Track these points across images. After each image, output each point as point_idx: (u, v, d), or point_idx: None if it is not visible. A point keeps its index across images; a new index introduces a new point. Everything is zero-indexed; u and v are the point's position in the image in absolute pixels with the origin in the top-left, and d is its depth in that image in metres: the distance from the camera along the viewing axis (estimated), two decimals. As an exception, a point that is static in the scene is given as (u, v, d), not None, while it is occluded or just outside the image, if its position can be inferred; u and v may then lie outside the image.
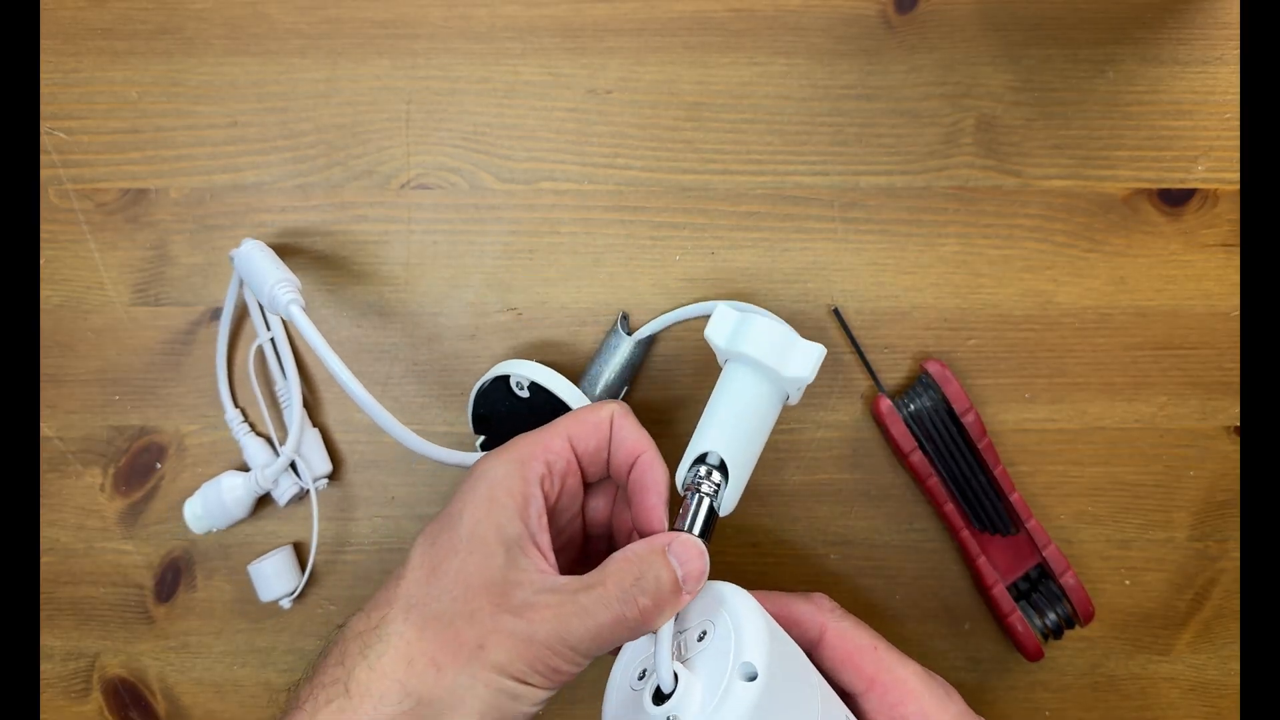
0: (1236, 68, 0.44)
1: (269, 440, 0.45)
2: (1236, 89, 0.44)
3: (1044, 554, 0.43)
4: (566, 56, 0.45)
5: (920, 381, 0.44)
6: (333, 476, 0.45)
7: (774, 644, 0.31)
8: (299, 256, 0.45)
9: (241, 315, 0.45)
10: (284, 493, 0.44)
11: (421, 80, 0.45)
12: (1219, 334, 0.45)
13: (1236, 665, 0.45)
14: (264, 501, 0.45)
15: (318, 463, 0.44)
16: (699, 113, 0.45)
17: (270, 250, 0.41)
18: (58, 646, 0.46)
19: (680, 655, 0.32)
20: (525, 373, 0.40)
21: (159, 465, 0.45)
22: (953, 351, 0.45)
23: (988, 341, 0.45)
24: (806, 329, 0.45)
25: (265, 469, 0.43)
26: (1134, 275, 0.45)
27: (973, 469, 0.43)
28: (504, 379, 0.41)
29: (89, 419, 0.45)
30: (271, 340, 0.44)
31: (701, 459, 0.37)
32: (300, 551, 0.45)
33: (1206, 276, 0.45)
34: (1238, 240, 0.45)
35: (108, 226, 0.45)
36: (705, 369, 0.44)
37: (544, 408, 0.41)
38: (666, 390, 0.45)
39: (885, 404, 0.43)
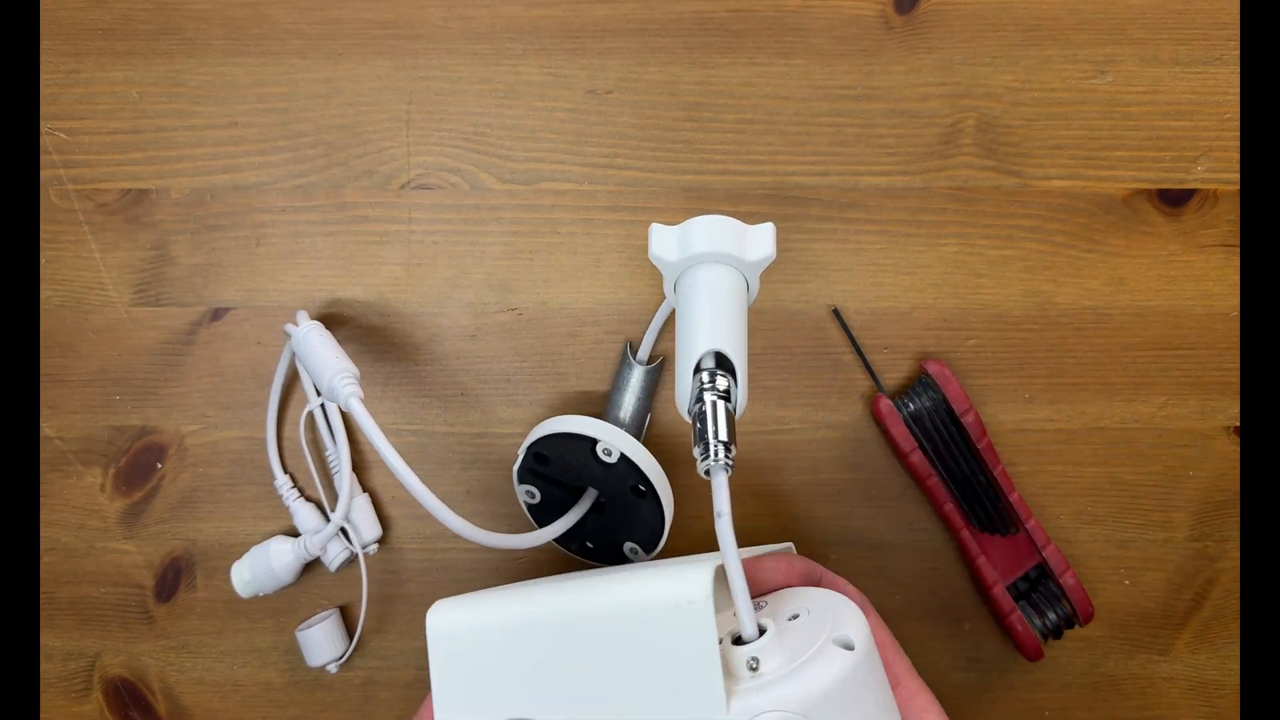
0: (1236, 68, 0.44)
1: (319, 505, 0.45)
2: (1236, 89, 0.44)
3: (1044, 554, 0.43)
4: (566, 57, 0.45)
5: (920, 382, 0.44)
6: (382, 541, 0.45)
7: (868, 630, 0.29)
8: (300, 257, 0.45)
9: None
10: (334, 559, 0.44)
11: (422, 81, 0.45)
12: (1218, 334, 0.45)
13: (1236, 665, 0.45)
14: (311, 564, 0.45)
15: (367, 529, 0.44)
16: (699, 113, 0.45)
17: (328, 334, 0.41)
18: (58, 646, 0.46)
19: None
20: (619, 444, 0.39)
21: (159, 465, 0.45)
22: (952, 352, 0.45)
23: (987, 342, 0.45)
24: (806, 329, 0.45)
25: (314, 535, 0.43)
26: (1133, 275, 0.45)
27: (972, 469, 0.43)
28: (587, 440, 0.39)
29: (89, 419, 0.45)
30: (321, 406, 0.44)
31: (697, 367, 0.33)
32: (347, 616, 0.46)
33: (1206, 277, 0.45)
34: (1237, 240, 0.45)
35: (108, 227, 0.45)
36: None
37: (622, 482, 0.40)
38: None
39: (885, 404, 0.43)
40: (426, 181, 0.45)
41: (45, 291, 0.45)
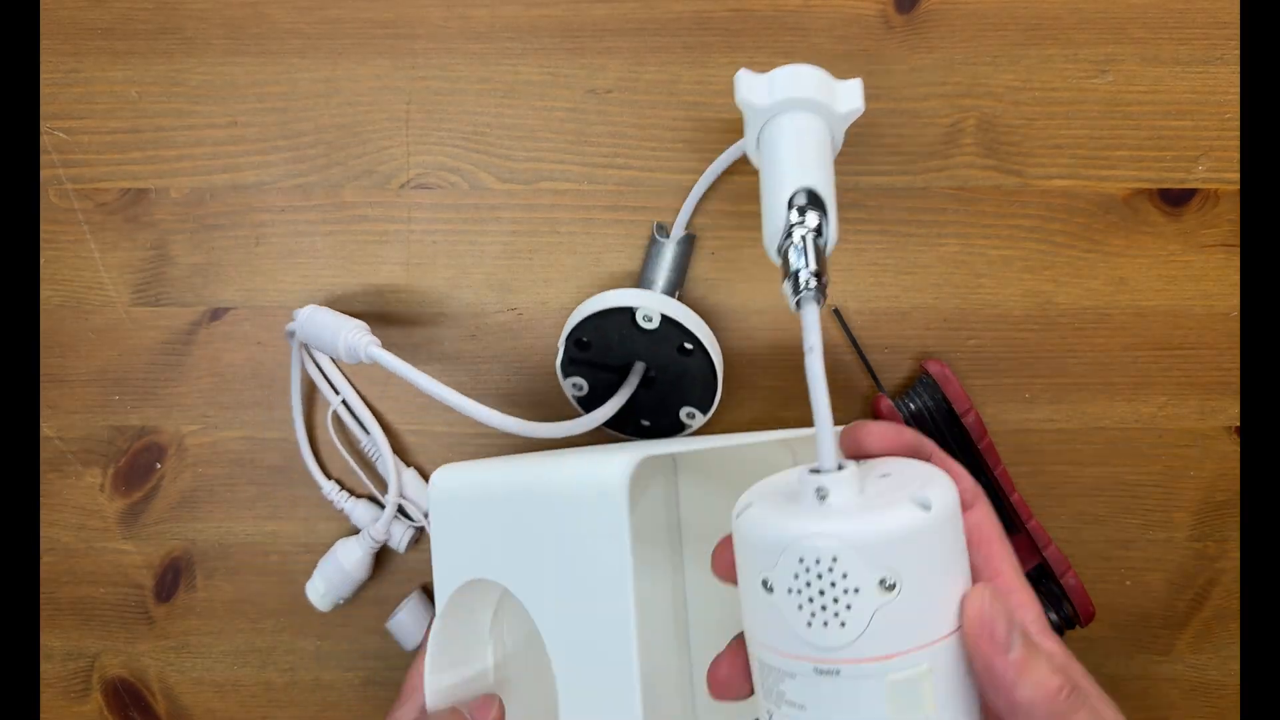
0: (1237, 68, 0.44)
1: (370, 498, 0.45)
2: (1237, 89, 0.44)
3: (1044, 554, 0.43)
4: (566, 56, 0.45)
5: (920, 382, 0.44)
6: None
7: (957, 503, 0.28)
8: (300, 257, 0.45)
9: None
10: (401, 540, 0.44)
11: (421, 80, 0.45)
12: (1219, 334, 0.45)
13: (1237, 665, 0.45)
14: (381, 555, 0.46)
15: (423, 500, 0.45)
16: (699, 113, 0.45)
17: (325, 308, 0.41)
18: (58, 646, 0.46)
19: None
20: (657, 306, 0.39)
21: (159, 465, 0.45)
22: (953, 352, 0.45)
23: (988, 342, 0.45)
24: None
25: (375, 524, 0.43)
26: (1134, 275, 0.45)
27: (973, 469, 0.43)
28: (624, 311, 0.39)
29: (89, 419, 0.45)
30: (343, 402, 0.45)
31: (789, 204, 0.32)
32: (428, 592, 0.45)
33: (1206, 277, 0.45)
34: (1238, 240, 0.45)
35: (108, 226, 0.45)
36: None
37: (667, 345, 0.40)
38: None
39: (885, 404, 0.43)
40: (426, 181, 0.45)
41: (45, 291, 0.45)
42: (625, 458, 0.30)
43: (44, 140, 0.45)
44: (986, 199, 0.44)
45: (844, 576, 0.25)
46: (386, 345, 0.45)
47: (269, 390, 0.45)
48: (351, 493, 0.45)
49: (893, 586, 0.25)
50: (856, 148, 0.45)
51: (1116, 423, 0.45)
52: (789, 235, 0.32)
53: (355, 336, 0.39)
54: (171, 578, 0.45)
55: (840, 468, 0.27)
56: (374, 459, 0.45)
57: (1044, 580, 0.44)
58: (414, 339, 0.45)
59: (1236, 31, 0.44)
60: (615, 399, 0.41)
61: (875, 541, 0.25)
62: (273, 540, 0.45)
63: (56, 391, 0.45)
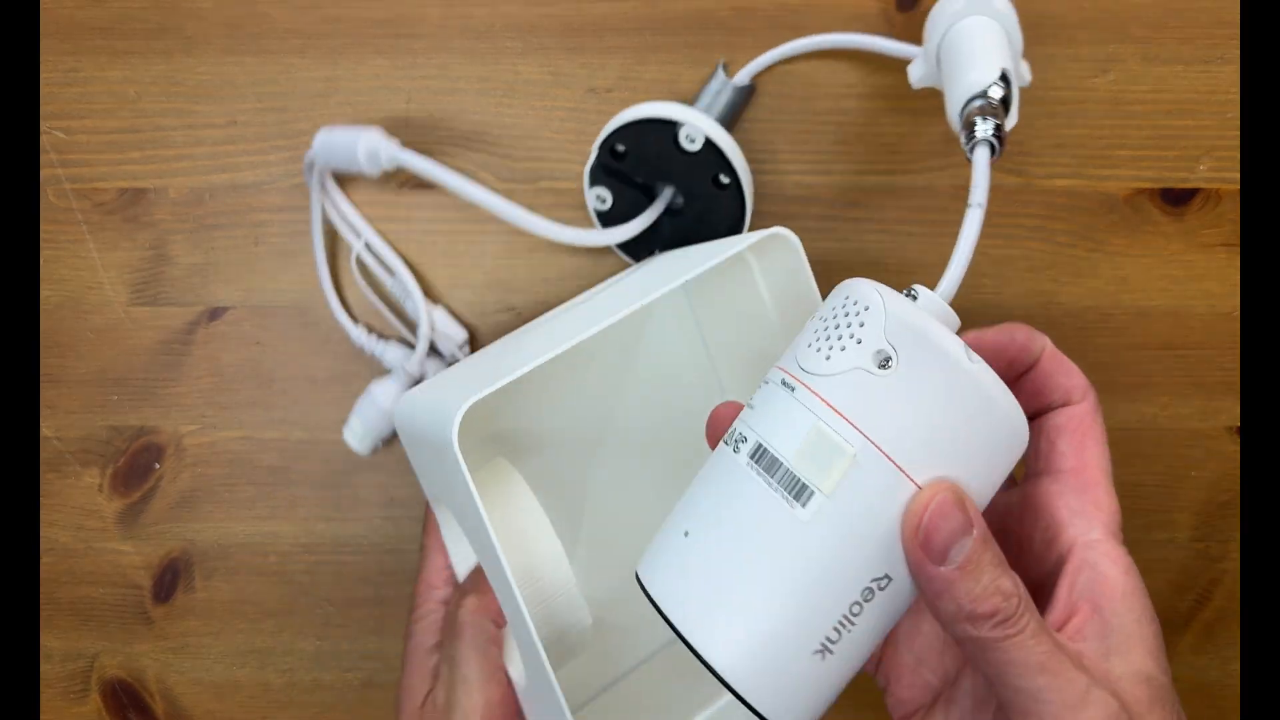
0: (1239, 67, 0.44)
1: (400, 340, 0.45)
2: (1239, 88, 0.44)
3: (1046, 555, 0.43)
4: (566, 55, 0.45)
5: (921, 381, 0.44)
6: (471, 342, 0.45)
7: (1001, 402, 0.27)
8: (299, 256, 0.45)
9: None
10: (445, 350, 0.44)
11: (421, 80, 0.45)
12: (1221, 334, 0.45)
13: (1239, 666, 0.45)
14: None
15: (454, 333, 0.44)
16: (699, 112, 0.44)
17: (337, 125, 0.41)
18: (56, 647, 0.46)
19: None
20: (704, 128, 0.39)
21: (158, 465, 0.45)
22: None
23: (989, 341, 0.45)
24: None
25: (409, 361, 0.43)
26: (1136, 275, 0.45)
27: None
28: (669, 127, 0.39)
29: (88, 419, 0.45)
30: (366, 246, 0.44)
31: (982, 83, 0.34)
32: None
33: (1209, 276, 0.45)
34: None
35: (106, 226, 0.45)
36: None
37: (704, 172, 0.39)
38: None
39: (886, 404, 0.43)
40: (426, 181, 0.45)
41: (44, 291, 0.45)
42: (458, 408, 0.31)
43: (43, 140, 0.45)
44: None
45: (861, 326, 0.27)
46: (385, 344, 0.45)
47: (268, 390, 0.45)
48: (381, 335, 0.45)
49: (884, 364, 0.26)
50: (857, 146, 0.44)
51: (1118, 423, 0.45)
52: (978, 98, 0.33)
53: (375, 140, 0.38)
54: (170, 578, 0.45)
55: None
56: (401, 300, 0.44)
57: (1046, 581, 0.44)
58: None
59: (1238, 30, 0.44)
60: (642, 218, 0.40)
61: (902, 319, 0.26)
62: (271, 541, 0.45)
63: (55, 391, 0.45)
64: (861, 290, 0.27)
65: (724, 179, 0.39)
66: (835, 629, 0.26)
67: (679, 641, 0.28)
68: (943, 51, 0.37)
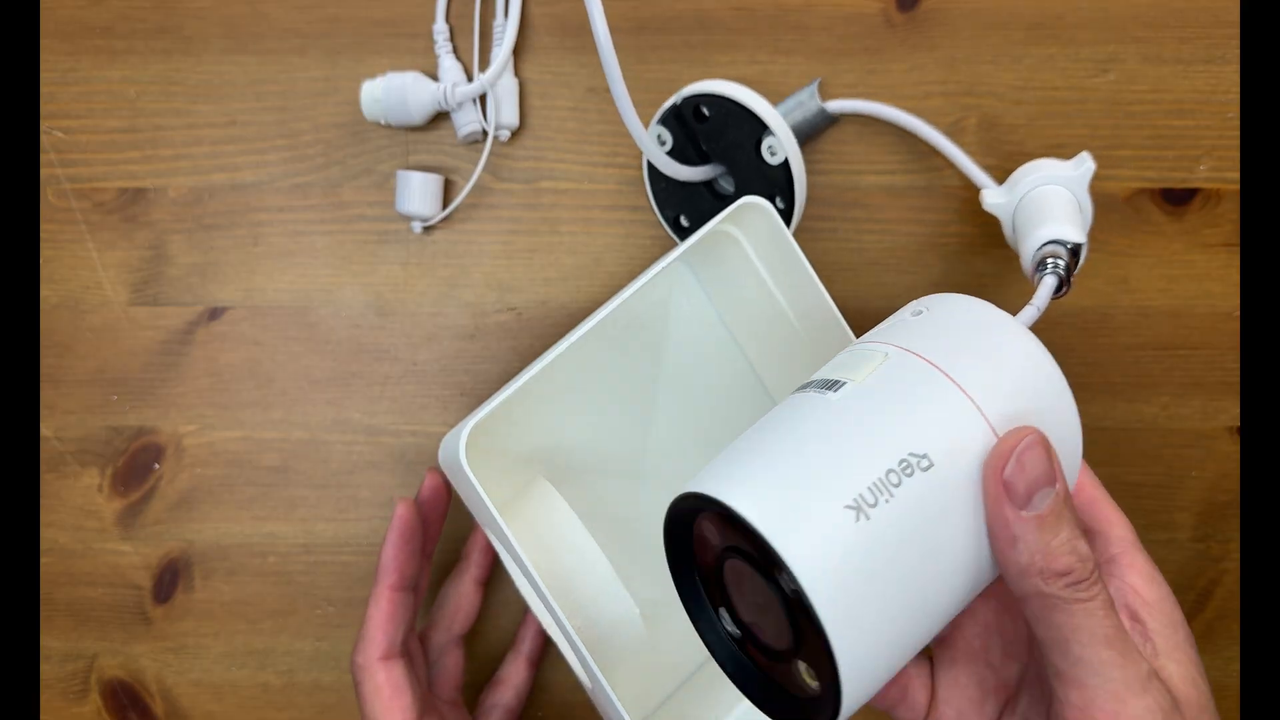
0: (1238, 67, 0.44)
1: (467, 73, 0.44)
2: (1239, 88, 0.44)
3: (1046, 555, 0.43)
4: (566, 55, 0.44)
5: (922, 381, 0.44)
6: (516, 134, 0.44)
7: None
8: (298, 256, 0.45)
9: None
10: (465, 123, 0.43)
11: (421, 79, 0.45)
12: (1221, 334, 0.45)
13: (1239, 666, 0.45)
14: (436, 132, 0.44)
15: (508, 110, 0.43)
16: (699, 112, 0.44)
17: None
18: (56, 648, 0.45)
19: None
20: (790, 151, 0.39)
21: (157, 466, 0.45)
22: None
23: (989, 341, 0.45)
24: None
25: (456, 87, 0.42)
26: (1136, 275, 0.45)
27: (974, 469, 0.43)
28: (760, 127, 0.39)
29: (87, 419, 0.45)
30: None
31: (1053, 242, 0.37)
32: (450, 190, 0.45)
33: (1209, 276, 0.45)
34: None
35: (106, 226, 0.45)
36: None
37: (767, 182, 0.40)
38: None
39: (886, 404, 0.43)
40: (425, 180, 0.45)
41: (43, 291, 0.45)
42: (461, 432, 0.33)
43: (42, 140, 0.45)
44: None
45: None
46: (386, 346, 0.45)
47: (267, 390, 0.45)
48: (456, 49, 0.44)
49: (918, 314, 0.31)
50: (857, 146, 0.44)
51: (1118, 423, 0.45)
52: (1057, 243, 0.37)
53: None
54: (169, 579, 0.45)
55: None
56: (496, 41, 0.44)
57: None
58: (413, 338, 0.45)
59: (1238, 30, 0.44)
60: (692, 171, 0.40)
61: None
62: (271, 541, 0.45)
63: (54, 391, 0.45)
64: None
65: (780, 203, 0.40)
66: (871, 490, 0.25)
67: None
68: (1032, 200, 0.40)
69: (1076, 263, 0.37)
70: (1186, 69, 0.44)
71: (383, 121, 0.43)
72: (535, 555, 0.33)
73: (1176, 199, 0.44)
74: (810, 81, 0.43)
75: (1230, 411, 0.45)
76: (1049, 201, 0.39)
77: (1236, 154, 0.44)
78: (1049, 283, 0.35)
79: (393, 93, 0.42)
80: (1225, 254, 0.44)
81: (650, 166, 0.43)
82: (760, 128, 0.39)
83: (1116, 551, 0.29)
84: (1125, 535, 0.30)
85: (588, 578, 0.35)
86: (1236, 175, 0.44)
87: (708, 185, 0.42)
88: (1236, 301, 0.44)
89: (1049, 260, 0.36)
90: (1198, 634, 0.45)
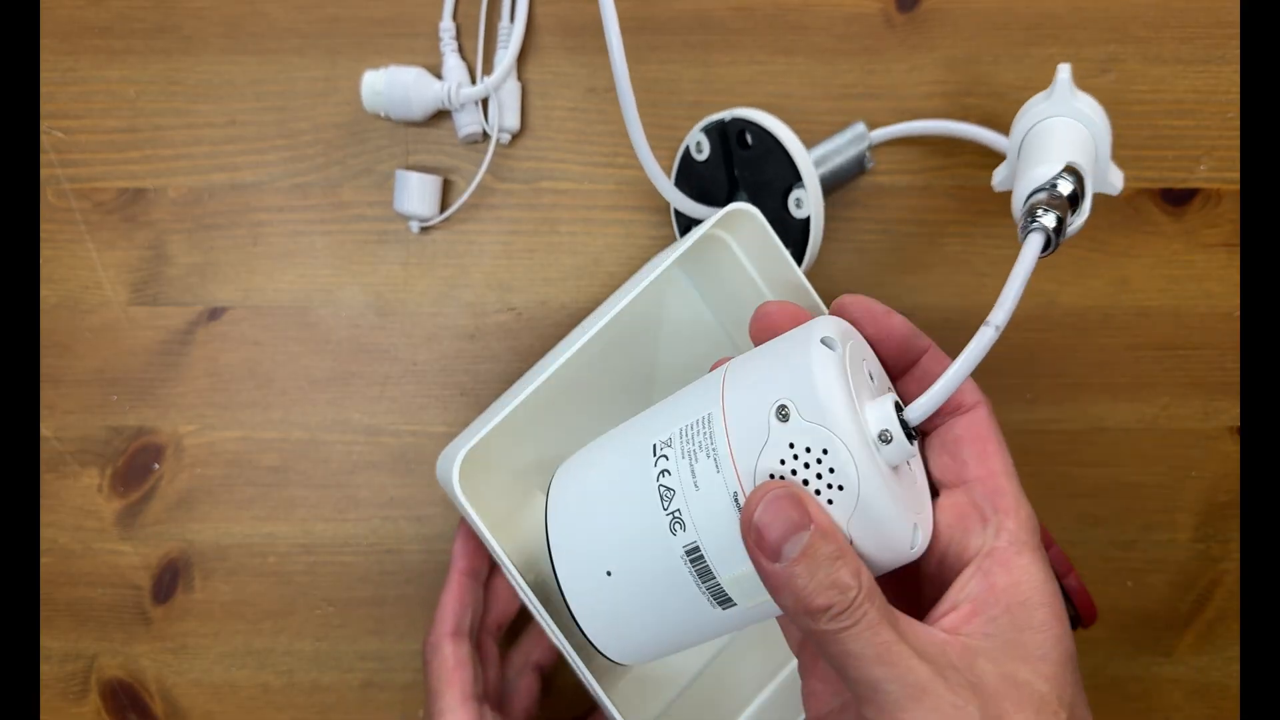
0: (1238, 67, 0.44)
1: (471, 73, 0.44)
2: (1239, 88, 0.44)
3: (1046, 555, 0.43)
4: (566, 55, 0.44)
5: (922, 382, 0.44)
6: (518, 135, 0.44)
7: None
8: (298, 256, 0.45)
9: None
10: (466, 124, 0.43)
11: (421, 79, 0.44)
12: (1222, 334, 0.45)
13: (1239, 666, 0.45)
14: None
15: (510, 114, 0.43)
16: (699, 112, 0.44)
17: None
18: (55, 648, 0.45)
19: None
20: (816, 211, 0.39)
21: (157, 466, 0.45)
22: (955, 352, 0.44)
23: (989, 342, 0.44)
24: (807, 329, 0.45)
25: (460, 88, 0.42)
26: (1136, 275, 0.45)
27: (974, 470, 0.43)
28: (793, 175, 0.39)
29: (87, 419, 0.45)
30: None
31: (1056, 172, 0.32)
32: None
33: (1209, 277, 0.45)
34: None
35: (105, 226, 0.45)
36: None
37: (787, 229, 0.40)
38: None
39: (886, 404, 0.43)
40: (425, 180, 0.45)
41: (42, 291, 0.45)
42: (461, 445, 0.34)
43: (42, 140, 0.45)
44: (988, 198, 0.44)
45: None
46: (386, 346, 0.45)
47: (266, 390, 0.45)
48: (461, 48, 0.44)
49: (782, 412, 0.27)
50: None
51: (1119, 423, 0.45)
52: (1043, 190, 0.31)
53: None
54: (169, 579, 0.45)
55: (911, 437, 0.27)
56: (502, 45, 0.44)
57: (1046, 581, 0.44)
58: (412, 338, 0.45)
59: (1238, 30, 0.44)
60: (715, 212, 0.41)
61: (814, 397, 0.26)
62: (270, 542, 0.45)
63: (54, 391, 0.45)
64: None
65: (793, 258, 0.40)
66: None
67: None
68: (1022, 151, 0.36)
69: (1076, 206, 0.32)
70: (1186, 69, 0.44)
71: (382, 114, 0.43)
72: (533, 574, 0.34)
73: (1176, 199, 0.44)
74: (853, 124, 0.43)
75: (1230, 411, 0.45)
76: (1039, 142, 0.35)
77: (1236, 154, 0.44)
78: (1033, 244, 0.30)
79: (395, 87, 0.42)
80: (1225, 254, 0.44)
81: (679, 174, 0.43)
82: (794, 176, 0.39)
83: (999, 545, 0.29)
84: (1016, 532, 0.29)
85: None
86: (1236, 175, 0.44)
87: None
88: (1236, 301, 0.44)
89: (1037, 212, 0.30)
90: (1197, 635, 0.45)
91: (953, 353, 0.45)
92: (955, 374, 0.27)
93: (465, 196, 0.44)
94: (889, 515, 0.26)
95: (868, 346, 0.31)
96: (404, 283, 0.45)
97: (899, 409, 0.27)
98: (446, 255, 0.45)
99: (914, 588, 0.31)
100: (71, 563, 0.45)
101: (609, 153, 0.44)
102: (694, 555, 0.27)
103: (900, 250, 0.44)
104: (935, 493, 0.31)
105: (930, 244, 0.44)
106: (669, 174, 0.44)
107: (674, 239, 0.45)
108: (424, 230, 0.45)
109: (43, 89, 0.45)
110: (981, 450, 0.30)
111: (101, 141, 0.45)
